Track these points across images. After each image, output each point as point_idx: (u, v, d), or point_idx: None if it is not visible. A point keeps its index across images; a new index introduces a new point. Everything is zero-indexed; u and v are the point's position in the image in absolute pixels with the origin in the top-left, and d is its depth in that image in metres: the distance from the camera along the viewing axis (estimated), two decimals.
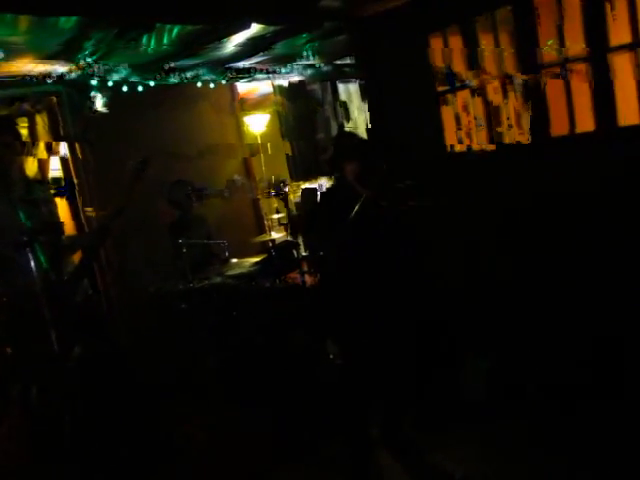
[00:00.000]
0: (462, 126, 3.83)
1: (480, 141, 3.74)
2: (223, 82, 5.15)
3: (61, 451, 2.90)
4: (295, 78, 5.79)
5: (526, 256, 3.52)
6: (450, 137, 3.93)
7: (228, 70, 4.95)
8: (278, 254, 4.25)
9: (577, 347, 3.22)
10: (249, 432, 3.33)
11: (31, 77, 3.98)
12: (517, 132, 3.54)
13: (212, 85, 5.13)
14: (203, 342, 4.02)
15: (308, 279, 4.32)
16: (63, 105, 4.31)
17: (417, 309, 3.29)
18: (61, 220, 3.25)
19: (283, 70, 5.32)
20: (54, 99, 4.33)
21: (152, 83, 4.47)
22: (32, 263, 2.80)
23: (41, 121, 4.52)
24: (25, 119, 4.59)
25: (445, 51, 3.83)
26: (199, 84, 5.00)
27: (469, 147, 3.82)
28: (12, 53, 3.49)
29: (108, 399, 2.99)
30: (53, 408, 2.93)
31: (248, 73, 5.04)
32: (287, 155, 6.02)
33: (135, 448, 3.11)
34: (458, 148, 3.88)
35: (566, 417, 2.97)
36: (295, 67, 5.27)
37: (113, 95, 4.50)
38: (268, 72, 5.35)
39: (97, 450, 2.96)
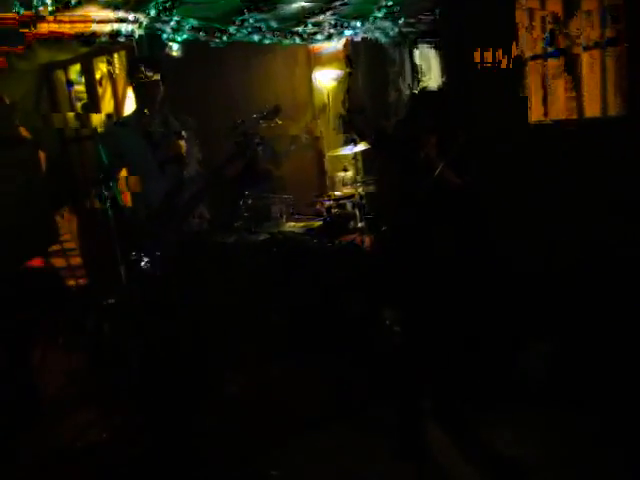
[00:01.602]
0: (550, 96, 3.60)
1: (568, 112, 3.51)
2: (297, 41, 5.02)
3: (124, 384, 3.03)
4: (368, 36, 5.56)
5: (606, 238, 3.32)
6: (535, 108, 3.71)
7: (300, 26, 4.80)
8: (339, 214, 4.18)
9: None
10: (301, 387, 3.35)
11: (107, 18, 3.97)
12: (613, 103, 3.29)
13: (288, 39, 4.99)
14: (264, 295, 4.03)
15: (368, 241, 4.26)
16: (140, 47, 4.31)
17: (478, 286, 3.20)
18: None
19: (357, 27, 5.13)
20: (132, 41, 4.34)
21: (224, 38, 4.40)
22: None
23: (118, 61, 4.56)
24: (104, 58, 4.64)
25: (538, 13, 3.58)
26: (271, 40, 4.89)
27: (559, 119, 3.58)
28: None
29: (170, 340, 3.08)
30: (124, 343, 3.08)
31: (319, 30, 4.86)
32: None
33: (187, 391, 3.19)
34: (543, 119, 3.67)
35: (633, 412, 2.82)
36: (369, 24, 5.06)
37: (186, 44, 4.47)
38: (342, 27, 5.17)
39: (155, 390, 3.06)
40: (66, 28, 3.65)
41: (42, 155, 5.13)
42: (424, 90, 4.98)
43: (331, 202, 4.60)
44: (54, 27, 3.57)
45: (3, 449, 3.03)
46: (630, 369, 2.98)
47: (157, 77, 3.23)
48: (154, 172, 3.24)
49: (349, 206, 4.38)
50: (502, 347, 3.30)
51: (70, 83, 4.80)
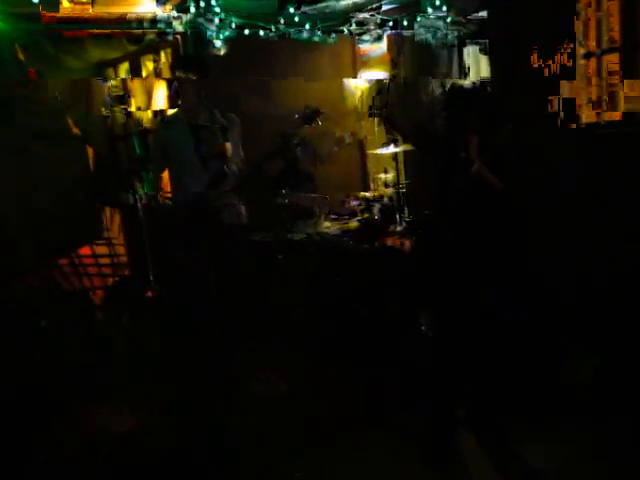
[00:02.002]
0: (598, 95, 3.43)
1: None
2: (344, 31, 4.98)
3: None
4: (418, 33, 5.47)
5: None
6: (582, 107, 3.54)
7: (348, 22, 4.76)
8: (379, 216, 4.11)
9: None
10: (334, 389, 3.29)
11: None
12: None
13: (333, 37, 4.97)
14: (298, 295, 4.00)
15: (407, 244, 4.16)
16: (187, 43, 4.36)
17: (518, 295, 3.08)
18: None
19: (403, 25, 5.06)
20: (178, 37, 4.41)
21: (273, 28, 4.41)
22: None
23: (165, 58, 4.64)
24: (151, 56, 4.72)
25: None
26: (316, 38, 4.87)
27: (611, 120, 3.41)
28: None
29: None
30: None
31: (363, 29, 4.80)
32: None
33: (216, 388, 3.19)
34: (593, 120, 3.49)
35: None
36: (420, 22, 4.97)
37: (232, 41, 4.50)
38: (388, 25, 5.11)
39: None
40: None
41: (90, 151, 5.27)
42: (461, 87, 4.85)
43: (359, 203, 4.53)
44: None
45: None
46: None
47: (199, 75, 3.26)
48: (197, 168, 3.29)
49: (376, 209, 4.28)
50: (547, 358, 3.15)
51: (105, 79, 4.92)
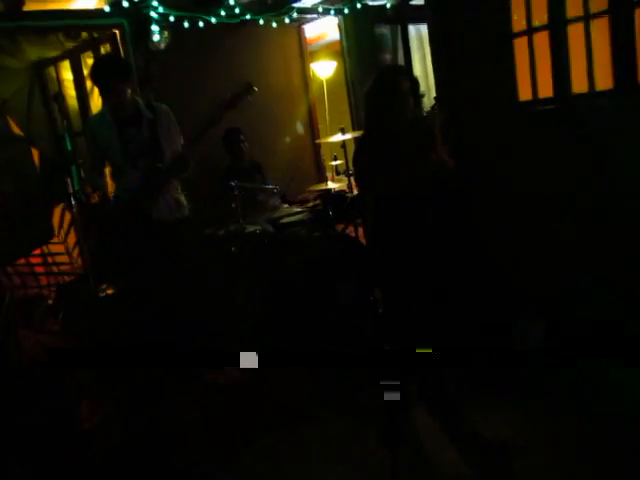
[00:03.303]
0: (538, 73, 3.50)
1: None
2: (286, 21, 4.97)
3: None
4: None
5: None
6: (523, 86, 3.61)
7: (292, 9, 4.76)
8: (330, 204, 4.13)
9: None
10: (287, 375, 3.29)
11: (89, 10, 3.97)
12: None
13: (274, 24, 4.95)
14: (251, 285, 3.99)
15: (359, 231, 4.20)
16: (125, 38, 4.29)
17: (465, 265, 3.13)
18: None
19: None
20: (117, 31, 4.32)
21: (213, 19, 4.36)
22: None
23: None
24: (90, 52, 4.63)
25: None
26: (261, 22, 4.83)
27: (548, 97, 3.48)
28: None
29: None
30: None
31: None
32: (350, 103, 5.80)
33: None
34: (530, 98, 3.56)
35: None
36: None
37: (175, 32, 4.44)
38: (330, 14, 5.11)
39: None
40: None
41: (35, 152, 5.16)
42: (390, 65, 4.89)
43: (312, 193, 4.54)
44: None
45: None
46: None
47: (124, 82, 3.15)
48: (126, 165, 3.21)
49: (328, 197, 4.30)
50: (497, 326, 3.23)
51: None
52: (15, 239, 4.78)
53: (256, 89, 3.25)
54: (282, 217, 4.35)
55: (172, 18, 4.27)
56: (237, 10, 4.50)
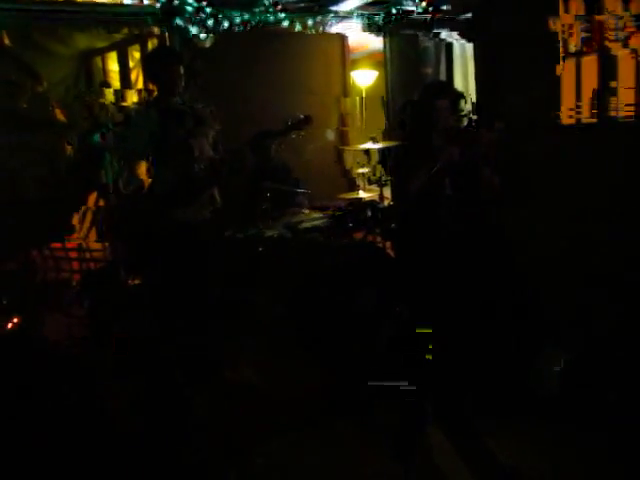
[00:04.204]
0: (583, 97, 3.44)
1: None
2: (324, 25, 4.96)
3: None
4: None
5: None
6: (567, 108, 3.56)
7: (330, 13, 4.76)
8: (354, 212, 4.11)
9: None
10: (305, 382, 3.28)
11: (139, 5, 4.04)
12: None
13: (310, 23, 4.88)
14: (272, 289, 3.99)
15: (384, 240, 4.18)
16: (172, 33, 4.35)
17: (492, 287, 3.08)
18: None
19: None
20: (164, 29, 4.38)
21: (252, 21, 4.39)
22: None
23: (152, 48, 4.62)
24: (137, 45, 4.71)
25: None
26: (299, 27, 4.83)
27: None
28: None
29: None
30: None
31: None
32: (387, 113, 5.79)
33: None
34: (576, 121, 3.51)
35: None
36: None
37: (221, 32, 4.49)
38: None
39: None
40: None
41: (74, 139, 5.25)
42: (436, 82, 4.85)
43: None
44: None
45: None
46: None
47: (176, 69, 3.19)
48: (164, 161, 3.21)
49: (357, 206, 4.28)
50: (517, 356, 3.15)
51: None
52: (46, 223, 4.85)
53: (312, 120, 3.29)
54: (301, 222, 4.32)
55: (220, 16, 4.30)
56: (282, 14, 4.51)
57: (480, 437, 2.80)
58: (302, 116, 3.29)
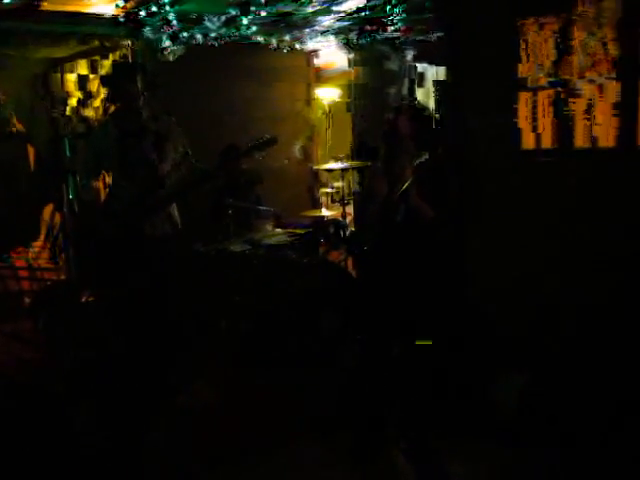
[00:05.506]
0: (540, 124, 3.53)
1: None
2: (297, 46, 5.00)
3: None
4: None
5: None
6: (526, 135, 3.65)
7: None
8: (320, 231, 4.12)
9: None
10: (266, 402, 3.25)
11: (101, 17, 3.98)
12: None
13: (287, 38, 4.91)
14: (234, 306, 3.95)
15: (348, 260, 4.19)
16: (136, 47, 4.30)
17: (446, 310, 3.12)
18: None
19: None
20: (128, 41, 4.33)
21: (222, 36, 4.38)
22: None
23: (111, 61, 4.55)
24: (97, 57, 4.64)
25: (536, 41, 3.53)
26: (272, 46, 4.85)
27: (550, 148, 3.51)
28: None
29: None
30: None
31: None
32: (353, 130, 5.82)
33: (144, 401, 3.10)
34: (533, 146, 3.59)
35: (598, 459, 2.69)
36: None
37: (186, 45, 4.45)
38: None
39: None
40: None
41: (32, 150, 5.13)
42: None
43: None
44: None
45: None
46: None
47: (134, 85, 3.17)
48: (124, 176, 3.20)
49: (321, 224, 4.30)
50: (473, 377, 3.19)
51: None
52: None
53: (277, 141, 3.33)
54: (263, 239, 4.29)
55: (185, 34, 4.27)
56: (253, 28, 4.49)
57: (440, 460, 2.82)
58: (267, 137, 3.32)
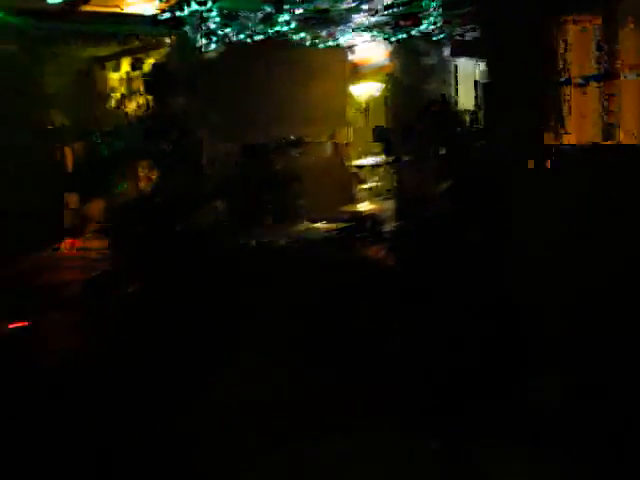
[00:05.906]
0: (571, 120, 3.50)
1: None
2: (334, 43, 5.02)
3: None
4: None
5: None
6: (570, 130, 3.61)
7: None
8: (358, 226, 4.16)
9: None
10: (308, 394, 3.27)
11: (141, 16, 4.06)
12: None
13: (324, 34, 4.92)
14: (280, 299, 3.99)
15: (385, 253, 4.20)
16: (177, 46, 4.37)
17: (491, 308, 3.11)
18: None
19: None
20: (167, 40, 4.41)
21: (261, 35, 4.42)
22: None
23: (153, 59, 4.64)
24: (142, 55, 4.73)
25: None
26: (308, 42, 4.88)
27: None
28: None
29: None
30: None
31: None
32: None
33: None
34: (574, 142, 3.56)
35: None
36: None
37: (227, 43, 4.52)
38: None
39: None
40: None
41: (78, 145, 5.25)
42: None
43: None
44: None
45: None
46: None
47: (172, 87, 3.24)
48: (168, 168, 3.27)
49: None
50: (513, 377, 3.17)
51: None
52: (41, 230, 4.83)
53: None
54: (301, 232, 4.34)
55: (228, 30, 4.32)
56: (293, 25, 4.52)
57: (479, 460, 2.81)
58: (293, 138, 3.38)
